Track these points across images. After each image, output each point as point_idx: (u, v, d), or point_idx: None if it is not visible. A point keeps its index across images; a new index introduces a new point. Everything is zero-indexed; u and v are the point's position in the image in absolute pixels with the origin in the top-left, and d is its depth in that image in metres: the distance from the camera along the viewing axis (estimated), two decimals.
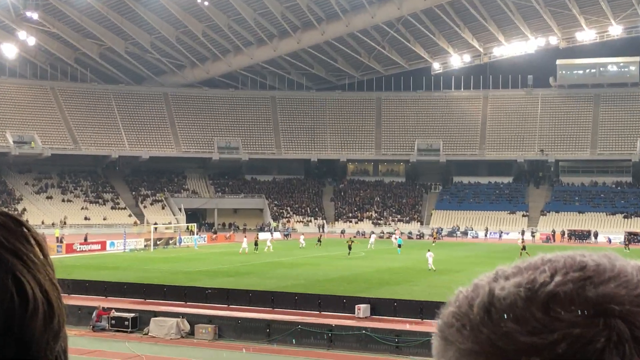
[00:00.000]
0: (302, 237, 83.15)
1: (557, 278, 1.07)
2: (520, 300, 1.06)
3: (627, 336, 1.00)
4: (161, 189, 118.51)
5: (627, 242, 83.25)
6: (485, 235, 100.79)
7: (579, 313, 1.03)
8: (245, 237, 79.32)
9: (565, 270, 1.08)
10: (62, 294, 1.14)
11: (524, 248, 62.97)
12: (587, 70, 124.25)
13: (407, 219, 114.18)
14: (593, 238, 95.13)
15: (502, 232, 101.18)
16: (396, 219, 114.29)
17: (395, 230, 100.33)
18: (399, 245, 72.84)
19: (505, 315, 1.05)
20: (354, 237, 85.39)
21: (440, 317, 1.15)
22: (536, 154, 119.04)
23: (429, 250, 59.66)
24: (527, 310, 1.05)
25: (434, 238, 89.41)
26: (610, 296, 1.04)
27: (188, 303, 40.49)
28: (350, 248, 69.20)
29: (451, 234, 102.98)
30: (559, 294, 1.05)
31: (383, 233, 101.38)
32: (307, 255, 69.02)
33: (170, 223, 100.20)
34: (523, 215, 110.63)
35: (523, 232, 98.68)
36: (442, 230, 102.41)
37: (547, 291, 1.06)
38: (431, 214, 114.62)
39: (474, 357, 1.06)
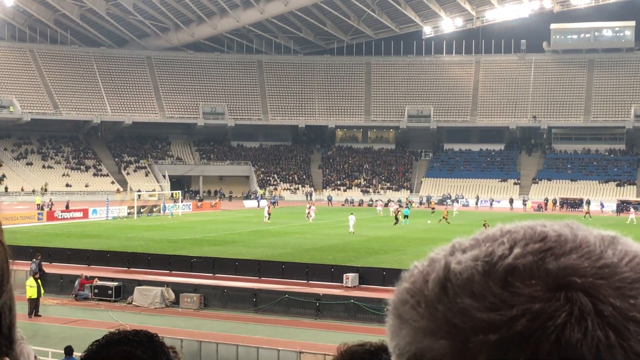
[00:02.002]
0: (312, 208, 75.20)
1: (516, 250, 1.04)
2: (478, 274, 1.04)
3: (589, 310, 0.97)
4: (144, 155, 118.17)
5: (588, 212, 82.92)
6: (476, 204, 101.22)
7: (539, 287, 1.00)
8: (268, 205, 78.07)
9: (524, 242, 1.05)
10: (9, 254, 1.15)
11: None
12: (582, 35, 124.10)
13: (397, 187, 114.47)
14: (585, 206, 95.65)
15: (493, 200, 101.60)
16: (385, 187, 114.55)
17: (393, 201, 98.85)
18: (406, 216, 70.12)
19: (461, 291, 1.03)
20: (400, 205, 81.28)
21: (394, 293, 1.12)
22: (528, 121, 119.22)
23: (351, 214, 62.66)
24: (484, 285, 1.02)
25: (432, 207, 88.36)
26: (572, 268, 1.01)
27: (173, 272, 40.55)
28: (397, 219, 68.14)
29: (442, 202, 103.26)
30: (518, 267, 1.02)
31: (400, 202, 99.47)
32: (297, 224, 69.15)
33: (154, 190, 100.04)
34: (514, 183, 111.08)
35: (512, 201, 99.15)
36: (431, 197, 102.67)
37: (505, 264, 1.03)
38: (421, 181, 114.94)
39: (430, 335, 1.03)
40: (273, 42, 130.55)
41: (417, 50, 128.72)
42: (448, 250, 1.11)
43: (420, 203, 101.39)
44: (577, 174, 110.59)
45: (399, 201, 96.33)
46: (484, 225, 53.53)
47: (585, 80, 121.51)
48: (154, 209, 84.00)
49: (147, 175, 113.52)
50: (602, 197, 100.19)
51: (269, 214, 72.32)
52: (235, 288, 36.20)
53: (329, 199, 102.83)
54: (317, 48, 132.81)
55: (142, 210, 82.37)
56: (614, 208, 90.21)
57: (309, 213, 72.92)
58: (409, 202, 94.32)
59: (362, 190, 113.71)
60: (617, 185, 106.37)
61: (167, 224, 69.63)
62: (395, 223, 67.10)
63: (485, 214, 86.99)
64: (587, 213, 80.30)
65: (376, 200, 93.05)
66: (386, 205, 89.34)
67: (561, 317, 0.97)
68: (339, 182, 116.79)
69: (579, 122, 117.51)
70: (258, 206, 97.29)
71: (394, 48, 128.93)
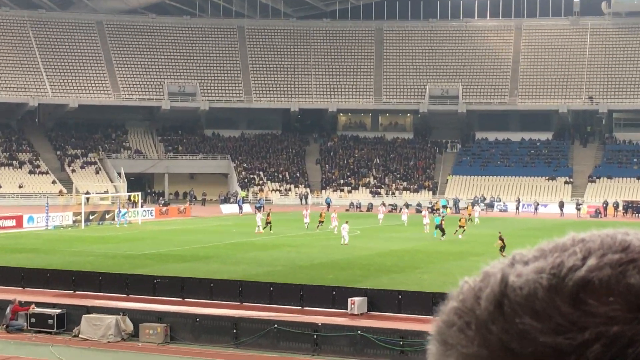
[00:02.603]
0: (334, 215, 74.15)
1: (591, 261, 1.04)
2: (542, 289, 1.04)
3: None
4: (94, 147, 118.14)
5: None
6: (517, 208, 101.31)
7: (618, 306, 1.00)
8: (269, 210, 77.56)
9: (601, 252, 1.06)
10: None
11: (502, 249, 53.87)
12: None
13: (416, 186, 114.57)
14: None
15: (538, 204, 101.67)
16: (401, 187, 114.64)
17: (429, 205, 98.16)
18: (437, 227, 66.88)
19: (521, 309, 1.03)
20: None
21: (438, 315, 1.13)
22: (583, 103, 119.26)
23: (346, 222, 62.59)
24: (550, 302, 1.02)
25: (469, 214, 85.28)
26: None
27: (131, 296, 40.54)
28: (442, 230, 65.68)
29: (473, 206, 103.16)
30: (593, 281, 1.03)
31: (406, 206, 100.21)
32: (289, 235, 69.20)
33: (106, 192, 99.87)
34: (566, 182, 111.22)
35: (562, 205, 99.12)
36: (459, 200, 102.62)
37: (577, 278, 1.03)
38: (447, 180, 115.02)
39: None
40: (258, 3, 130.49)
41: (441, 13, 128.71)
42: (507, 263, 1.13)
43: (445, 206, 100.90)
44: None
45: (431, 207, 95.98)
46: (500, 238, 53.47)
47: None
48: (107, 216, 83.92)
49: (97, 172, 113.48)
50: None
51: (269, 222, 71.60)
52: (210, 316, 36.17)
53: (328, 202, 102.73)
54: (314, 10, 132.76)
55: (91, 217, 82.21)
56: None
57: (320, 221, 72.94)
58: (441, 207, 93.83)
59: (371, 192, 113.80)
60: None
61: (123, 235, 69.57)
62: (443, 234, 65.41)
63: (528, 220, 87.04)
64: None
65: (380, 205, 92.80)
66: (398, 209, 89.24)
67: None
68: (342, 182, 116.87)
69: None
70: (240, 212, 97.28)
71: (411, 10, 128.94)
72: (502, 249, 52.85)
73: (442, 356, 1.09)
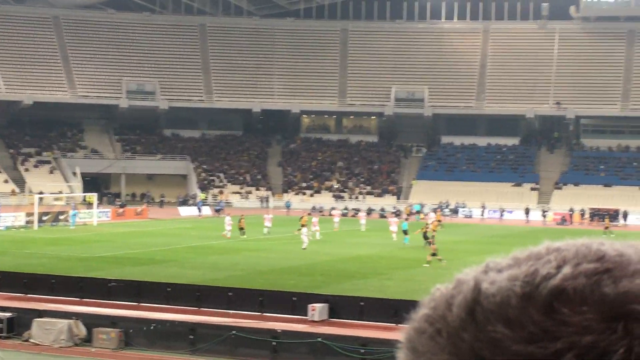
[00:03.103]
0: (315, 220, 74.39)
1: (566, 270, 1.06)
2: (515, 297, 1.04)
3: None
4: (49, 146, 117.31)
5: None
6: (482, 214, 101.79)
7: (592, 315, 1.01)
8: (242, 215, 74.50)
9: (576, 261, 1.07)
10: None
11: (434, 254, 54.18)
12: None
13: (380, 191, 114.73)
14: (622, 219, 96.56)
15: (503, 211, 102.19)
16: (365, 191, 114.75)
17: (402, 210, 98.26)
18: (405, 231, 67.87)
19: (493, 317, 1.04)
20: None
21: (409, 323, 1.14)
22: (551, 108, 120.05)
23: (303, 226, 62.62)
24: (523, 310, 1.03)
25: (437, 220, 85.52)
26: (634, 294, 1.02)
27: (84, 300, 40.28)
28: (426, 237, 64.49)
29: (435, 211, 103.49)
30: (567, 290, 1.04)
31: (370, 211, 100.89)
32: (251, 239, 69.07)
33: (61, 192, 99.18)
34: (532, 189, 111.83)
35: (528, 211, 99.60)
36: (422, 207, 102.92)
37: (550, 286, 1.04)
38: (411, 185, 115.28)
39: None
40: (220, 0, 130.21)
41: (408, 14, 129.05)
42: (480, 270, 1.14)
43: (410, 213, 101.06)
44: (612, 177, 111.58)
45: (397, 212, 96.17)
46: (432, 243, 53.06)
47: (623, 57, 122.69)
48: (61, 217, 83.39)
49: (52, 172, 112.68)
50: None
51: (242, 228, 70.10)
52: (166, 321, 36.01)
53: (287, 206, 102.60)
54: (278, 9, 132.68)
55: (44, 218, 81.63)
56: None
57: (303, 225, 71.77)
58: (411, 212, 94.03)
59: (334, 195, 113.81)
60: None
61: (77, 237, 69.16)
62: (428, 241, 64.70)
63: (493, 227, 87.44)
64: (606, 228, 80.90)
65: (331, 209, 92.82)
66: (347, 214, 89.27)
67: (618, 354, 0.99)
68: (304, 185, 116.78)
69: (615, 110, 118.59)
70: (199, 214, 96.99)
71: (378, 10, 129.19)
72: (434, 254, 52.64)
73: None
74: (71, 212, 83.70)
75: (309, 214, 79.72)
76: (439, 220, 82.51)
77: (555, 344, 1.00)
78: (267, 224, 73.73)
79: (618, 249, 1.09)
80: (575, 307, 1.02)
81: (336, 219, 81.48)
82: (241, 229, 70.35)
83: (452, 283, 1.14)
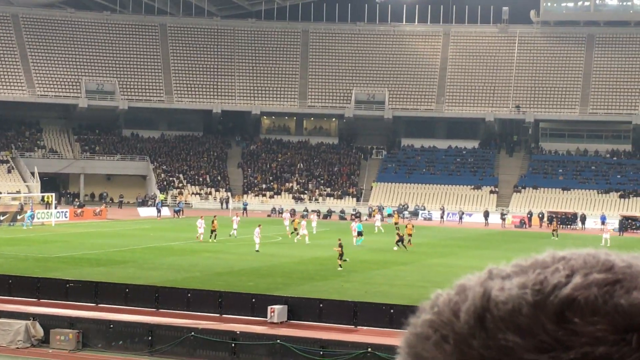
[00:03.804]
0: (302, 223, 73.63)
1: (576, 279, 1.06)
2: (527, 305, 1.04)
3: None
4: (7, 145, 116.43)
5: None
6: (442, 217, 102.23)
7: (604, 326, 1.01)
8: (215, 216, 72.11)
9: (586, 271, 1.07)
10: None
11: (340, 256, 52.82)
12: (579, 3, 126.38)
13: (340, 193, 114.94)
14: (580, 223, 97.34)
15: (463, 214, 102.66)
16: (325, 192, 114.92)
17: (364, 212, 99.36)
18: (359, 234, 67.75)
19: (504, 325, 1.03)
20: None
21: (408, 328, 1.12)
22: (510, 112, 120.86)
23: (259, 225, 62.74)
24: (534, 319, 1.03)
25: (395, 222, 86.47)
26: None
27: (41, 300, 40.08)
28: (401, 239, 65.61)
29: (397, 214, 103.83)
30: (578, 299, 1.04)
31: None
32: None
33: (19, 192, 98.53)
34: (491, 192, 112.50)
35: (487, 214, 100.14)
36: (382, 208, 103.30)
37: (562, 295, 1.04)
38: (371, 187, 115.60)
39: None
40: (181, 1, 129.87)
41: (368, 16, 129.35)
42: (485, 277, 1.13)
43: (370, 215, 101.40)
44: (570, 181, 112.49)
45: (357, 214, 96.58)
46: (339, 245, 52.40)
47: (582, 61, 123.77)
48: (18, 217, 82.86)
49: (9, 171, 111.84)
50: (602, 211, 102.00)
51: (214, 230, 68.04)
52: (124, 323, 35.89)
53: (244, 207, 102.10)
54: (238, 9, 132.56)
55: (2, 218, 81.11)
56: (617, 225, 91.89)
57: (296, 230, 70.86)
58: (385, 215, 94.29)
59: (294, 197, 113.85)
60: (620, 196, 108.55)
61: (35, 237, 68.74)
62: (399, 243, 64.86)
63: (452, 230, 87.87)
64: (554, 230, 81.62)
65: (283, 211, 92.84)
66: (296, 215, 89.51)
67: None
68: (264, 186, 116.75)
69: (574, 114, 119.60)
70: (158, 215, 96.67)
71: (339, 13, 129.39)
72: (340, 256, 52.07)
73: None
74: (28, 212, 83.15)
75: (302, 217, 79.48)
76: (396, 222, 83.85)
77: (568, 354, 1.00)
78: (235, 225, 72.85)
79: (626, 260, 1.10)
80: (587, 317, 1.02)
81: (286, 222, 79.44)
82: (213, 231, 68.25)
83: (454, 289, 1.13)
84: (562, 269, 1.08)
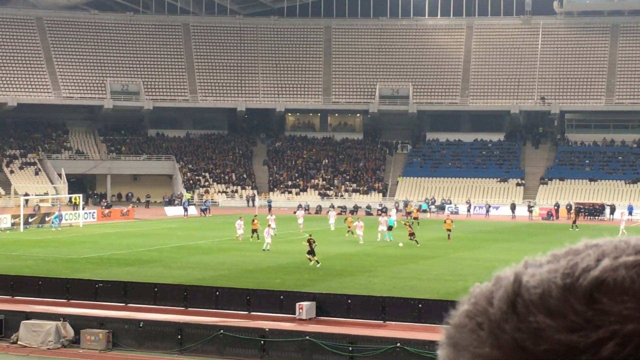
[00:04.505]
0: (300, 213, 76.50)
1: (605, 262, 1.10)
2: (556, 288, 1.08)
3: None
4: (34, 147, 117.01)
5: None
6: (468, 211, 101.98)
7: (633, 304, 1.04)
8: (255, 215, 71.12)
9: (615, 254, 1.11)
10: None
11: (310, 252, 52.20)
12: None
13: (366, 188, 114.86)
14: (608, 214, 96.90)
15: (489, 206, 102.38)
16: (350, 188, 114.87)
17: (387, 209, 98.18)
18: (390, 228, 67.96)
19: (534, 308, 1.07)
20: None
21: (448, 320, 1.16)
22: (535, 104, 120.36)
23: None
24: (564, 300, 1.07)
25: (414, 217, 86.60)
26: None
27: (71, 301, 40.25)
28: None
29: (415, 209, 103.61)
30: (607, 280, 1.08)
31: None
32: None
33: (46, 194, 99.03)
34: (517, 184, 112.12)
35: (514, 207, 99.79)
36: (409, 202, 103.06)
37: (591, 277, 1.08)
38: (397, 181, 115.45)
39: None
40: (204, 0, 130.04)
41: (391, 11, 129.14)
42: (520, 266, 1.17)
43: (397, 210, 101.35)
44: (597, 171, 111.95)
45: (383, 209, 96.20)
46: (308, 241, 51.47)
47: (607, 52, 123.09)
48: (47, 219, 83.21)
49: (37, 173, 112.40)
50: (631, 202, 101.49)
51: (255, 230, 66.46)
52: (154, 322, 36.03)
53: (269, 204, 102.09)
54: (261, 7, 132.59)
55: (30, 220, 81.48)
56: None
57: (350, 231, 69.42)
58: (420, 210, 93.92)
59: (320, 193, 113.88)
60: None
61: (63, 239, 69.06)
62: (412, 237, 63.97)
63: (479, 223, 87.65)
64: (574, 222, 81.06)
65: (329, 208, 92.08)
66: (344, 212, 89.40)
67: None
68: (290, 183, 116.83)
69: (600, 105, 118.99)
70: (185, 214, 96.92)
71: (361, 8, 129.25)
72: (310, 252, 51.30)
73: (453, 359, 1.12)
74: (54, 214, 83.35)
75: (353, 215, 78.28)
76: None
77: (597, 332, 1.03)
78: (273, 225, 72.24)
79: None
80: (615, 297, 1.05)
81: (332, 220, 78.60)
82: (254, 230, 66.58)
83: (492, 280, 1.17)
84: (592, 254, 1.12)
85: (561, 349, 1.03)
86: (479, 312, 1.12)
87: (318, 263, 50.93)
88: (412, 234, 64.02)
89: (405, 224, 67.96)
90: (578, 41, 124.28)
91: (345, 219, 74.29)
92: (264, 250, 59.20)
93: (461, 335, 1.12)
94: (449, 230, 67.66)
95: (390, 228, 68.12)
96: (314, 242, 51.89)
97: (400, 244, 62.37)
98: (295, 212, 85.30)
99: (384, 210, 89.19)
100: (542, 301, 1.08)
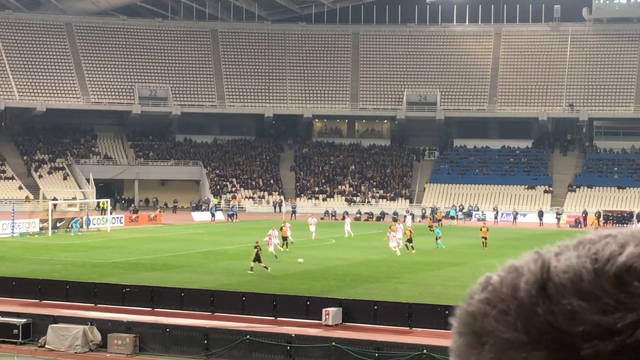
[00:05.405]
0: (312, 220, 74.28)
1: (630, 249, 1.12)
2: (587, 272, 1.10)
3: None
4: (62, 152, 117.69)
5: None
6: (495, 218, 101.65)
7: None
8: (284, 222, 68.83)
9: (636, 242, 1.14)
10: None
11: (256, 259, 50.66)
12: (632, 0, 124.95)
13: (393, 195, 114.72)
14: (636, 221, 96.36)
15: (517, 214, 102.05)
16: (377, 195, 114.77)
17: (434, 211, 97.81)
18: (437, 238, 66.85)
19: (567, 291, 1.08)
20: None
21: (460, 310, 1.17)
22: (563, 111, 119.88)
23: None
24: (596, 283, 1.08)
25: (438, 221, 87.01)
26: None
27: (99, 305, 40.47)
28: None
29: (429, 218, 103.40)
30: (634, 266, 1.10)
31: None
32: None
33: (74, 198, 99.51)
34: (545, 192, 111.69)
35: (541, 214, 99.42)
36: (437, 209, 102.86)
37: (619, 263, 1.10)
38: (424, 188, 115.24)
39: (524, 348, 1.07)
40: (232, 6, 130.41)
41: (419, 17, 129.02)
42: (535, 255, 1.18)
43: (423, 217, 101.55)
44: (626, 179, 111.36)
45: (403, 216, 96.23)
46: (255, 247, 49.81)
47: (637, 59, 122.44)
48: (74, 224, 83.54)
49: (65, 178, 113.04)
50: None
51: (285, 238, 64.17)
52: (180, 327, 36.13)
53: (293, 210, 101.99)
54: (289, 14, 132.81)
55: (58, 224, 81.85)
56: None
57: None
58: (435, 215, 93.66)
59: (346, 200, 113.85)
60: None
61: (91, 243, 69.36)
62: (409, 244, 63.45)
63: (506, 230, 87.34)
64: (597, 229, 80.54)
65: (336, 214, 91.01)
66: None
67: None
68: (317, 189, 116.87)
69: (629, 112, 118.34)
70: (212, 220, 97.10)
71: (389, 14, 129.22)
72: (257, 259, 50.10)
73: (473, 347, 1.12)
74: (75, 218, 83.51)
75: (396, 221, 76.35)
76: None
77: (632, 314, 1.05)
78: (312, 228, 71.65)
79: None
80: None
81: (312, 228, 73.93)
82: (284, 238, 64.14)
83: (506, 268, 1.18)
84: (613, 242, 1.13)
85: (597, 330, 1.04)
86: (501, 300, 1.12)
87: (267, 268, 49.97)
88: (409, 240, 63.51)
89: (409, 232, 66.32)
90: (607, 48, 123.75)
91: (391, 226, 68.42)
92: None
93: (484, 322, 1.12)
94: (485, 238, 66.97)
95: (437, 238, 66.80)
96: (260, 249, 51.05)
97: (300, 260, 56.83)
98: (308, 219, 78.62)
99: (395, 219, 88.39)
100: (573, 285, 1.09)
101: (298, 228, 73.77)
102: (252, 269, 50.30)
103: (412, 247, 62.65)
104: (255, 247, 50.64)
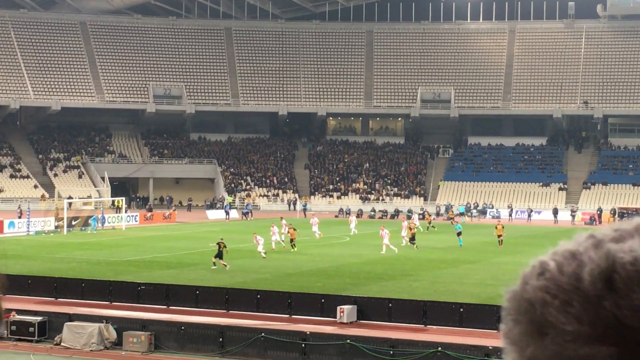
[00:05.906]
0: (314, 220, 73.13)
1: None
2: None
3: None
4: (77, 151, 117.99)
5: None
6: (510, 215, 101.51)
7: None
8: (290, 226, 66.48)
9: None
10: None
11: (218, 255, 51.50)
12: None
13: (407, 192, 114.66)
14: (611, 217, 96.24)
15: (531, 211, 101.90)
16: (392, 192, 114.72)
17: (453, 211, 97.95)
18: (459, 234, 66.76)
19: (635, 285, 1.04)
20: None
21: (514, 295, 1.12)
22: (578, 108, 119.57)
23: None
24: None
25: (450, 217, 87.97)
26: None
27: (114, 303, 40.57)
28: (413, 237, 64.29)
29: (467, 212, 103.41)
30: None
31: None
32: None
33: (89, 197, 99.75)
34: (560, 189, 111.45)
35: (556, 212, 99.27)
36: (451, 206, 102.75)
37: None
38: (438, 186, 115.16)
39: (589, 342, 1.03)
40: (246, 4, 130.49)
41: (433, 15, 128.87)
42: (594, 242, 1.13)
43: (438, 214, 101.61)
44: None
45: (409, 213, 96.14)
46: (218, 243, 50.60)
47: None
48: (89, 222, 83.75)
49: (80, 177, 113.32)
50: None
51: (293, 239, 63.03)
52: (195, 324, 36.19)
53: (304, 208, 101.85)
54: (303, 12, 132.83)
55: (74, 222, 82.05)
56: None
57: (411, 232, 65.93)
58: (458, 214, 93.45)
59: (361, 197, 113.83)
60: None
61: (106, 241, 69.54)
62: (412, 241, 64.18)
63: (521, 227, 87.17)
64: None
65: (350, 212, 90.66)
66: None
67: None
68: (331, 187, 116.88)
69: None
70: (226, 218, 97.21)
71: (403, 12, 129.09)
72: (218, 255, 50.65)
73: (533, 336, 1.09)
74: (94, 217, 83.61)
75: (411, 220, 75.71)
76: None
77: None
78: (315, 228, 71.45)
79: None
80: None
81: (314, 228, 72.46)
82: (291, 240, 63.25)
83: (562, 255, 1.13)
84: None
85: None
86: (563, 290, 1.08)
87: (226, 266, 50.27)
88: (412, 238, 63.70)
89: (411, 229, 66.28)
90: (622, 45, 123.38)
91: (410, 227, 67.84)
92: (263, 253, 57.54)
93: (544, 311, 1.08)
94: (500, 236, 66.66)
95: (459, 234, 66.84)
96: (224, 246, 51.39)
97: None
98: (311, 219, 77.21)
99: (408, 216, 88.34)
100: None
101: (304, 227, 73.62)
102: (214, 264, 51.08)
103: (415, 245, 62.70)
104: (219, 243, 51.20)
